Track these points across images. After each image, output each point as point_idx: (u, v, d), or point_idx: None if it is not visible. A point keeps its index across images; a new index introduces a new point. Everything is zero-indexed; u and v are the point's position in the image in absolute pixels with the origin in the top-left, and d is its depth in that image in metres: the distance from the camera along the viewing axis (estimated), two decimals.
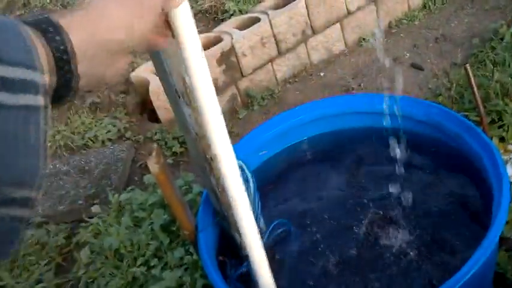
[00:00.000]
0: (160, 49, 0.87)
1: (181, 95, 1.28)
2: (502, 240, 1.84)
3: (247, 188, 1.55)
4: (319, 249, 1.56)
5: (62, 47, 0.55)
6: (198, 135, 1.34)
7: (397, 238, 1.53)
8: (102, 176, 2.57)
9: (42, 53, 0.52)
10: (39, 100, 0.49)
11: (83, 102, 3.21)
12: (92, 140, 2.92)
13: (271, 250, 1.50)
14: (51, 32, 0.55)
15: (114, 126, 2.96)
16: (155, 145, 1.33)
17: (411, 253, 1.47)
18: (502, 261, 1.77)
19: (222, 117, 0.96)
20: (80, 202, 2.40)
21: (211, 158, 1.35)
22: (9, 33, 0.49)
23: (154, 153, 1.30)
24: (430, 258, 1.43)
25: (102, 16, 0.62)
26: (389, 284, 1.40)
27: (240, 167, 1.57)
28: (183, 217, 1.51)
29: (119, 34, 0.63)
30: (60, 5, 4.36)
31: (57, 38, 0.55)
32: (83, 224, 2.18)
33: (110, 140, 2.91)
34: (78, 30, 0.58)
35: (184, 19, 0.82)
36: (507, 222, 1.87)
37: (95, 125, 3.00)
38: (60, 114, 3.16)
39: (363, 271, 1.46)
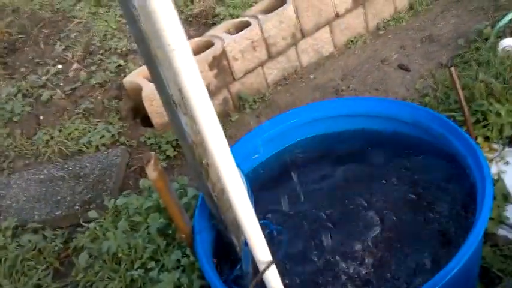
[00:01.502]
0: None
1: (178, 104, 1.33)
2: (488, 236, 1.91)
3: None
4: (308, 248, 1.61)
5: None
6: (195, 142, 1.39)
7: (381, 235, 1.59)
8: (97, 181, 2.60)
9: None
10: None
11: (76, 108, 3.24)
12: (86, 146, 2.95)
13: None
14: None
15: (107, 131, 3.00)
16: (153, 153, 1.37)
17: (396, 247, 1.53)
18: (487, 256, 1.83)
19: (219, 126, 1.01)
20: (76, 207, 2.44)
21: (207, 164, 1.40)
22: None
23: (152, 161, 1.35)
24: (417, 253, 1.50)
25: None
26: (377, 271, 1.46)
27: None
28: (180, 221, 1.56)
29: None
30: (50, 11, 4.38)
31: None
32: (80, 229, 2.22)
33: (103, 145, 2.94)
34: None
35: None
36: (492, 219, 1.94)
37: (89, 131, 3.03)
38: (54, 120, 3.19)
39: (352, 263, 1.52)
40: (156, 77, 1.31)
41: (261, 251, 1.17)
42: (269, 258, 1.18)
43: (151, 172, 1.36)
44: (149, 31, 1.19)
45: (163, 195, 1.44)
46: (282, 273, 1.50)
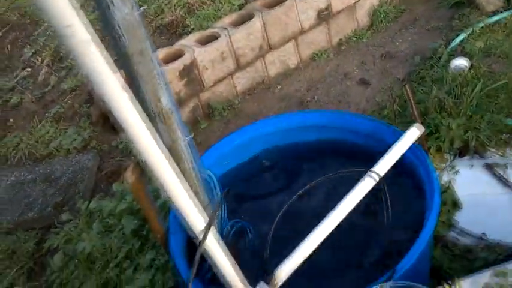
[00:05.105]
0: None
1: (156, 114, 1.44)
2: (439, 238, 2.09)
3: (215, 195, 1.74)
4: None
5: None
6: (171, 149, 1.50)
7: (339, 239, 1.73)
8: (69, 184, 2.66)
9: None
10: None
11: (46, 112, 3.28)
12: (56, 149, 2.99)
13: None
14: None
15: (78, 135, 3.05)
16: (133, 158, 1.47)
17: (352, 250, 1.68)
18: (438, 255, 2.02)
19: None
20: (49, 209, 2.49)
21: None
22: None
23: (131, 166, 1.46)
24: (372, 252, 1.66)
25: None
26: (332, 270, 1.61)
27: (209, 176, 1.75)
28: (155, 222, 1.66)
29: None
30: (18, 13, 4.38)
31: None
32: (54, 230, 2.28)
33: (75, 148, 3.00)
34: None
35: None
36: (443, 222, 2.14)
37: (59, 135, 3.08)
38: (23, 124, 3.22)
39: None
40: (135, 89, 1.41)
41: (195, 218, 1.25)
42: (203, 225, 1.23)
43: (130, 175, 1.46)
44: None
45: (140, 198, 1.54)
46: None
